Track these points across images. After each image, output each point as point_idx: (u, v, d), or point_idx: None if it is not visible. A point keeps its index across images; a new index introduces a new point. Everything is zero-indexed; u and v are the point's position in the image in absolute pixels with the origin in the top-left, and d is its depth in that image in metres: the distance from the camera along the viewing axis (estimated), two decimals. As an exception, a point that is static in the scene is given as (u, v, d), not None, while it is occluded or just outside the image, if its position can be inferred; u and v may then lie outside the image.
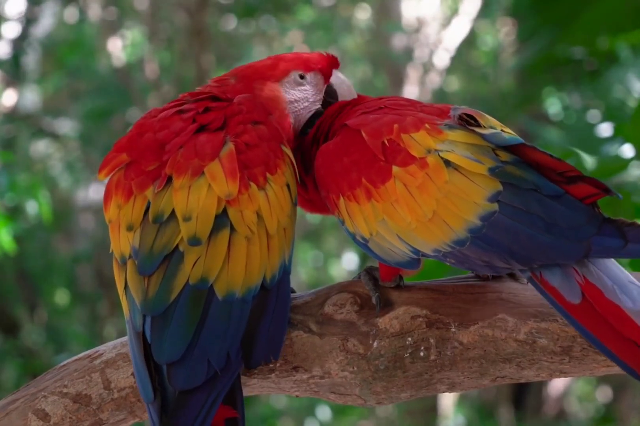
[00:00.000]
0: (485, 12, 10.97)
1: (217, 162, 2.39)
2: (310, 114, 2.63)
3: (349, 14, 12.47)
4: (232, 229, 2.36)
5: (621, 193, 4.23)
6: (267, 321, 2.36)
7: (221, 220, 2.36)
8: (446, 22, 11.30)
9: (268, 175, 2.43)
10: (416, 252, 2.37)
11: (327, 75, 2.65)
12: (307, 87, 2.63)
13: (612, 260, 2.31)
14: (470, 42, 11.63)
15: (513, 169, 2.32)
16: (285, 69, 2.60)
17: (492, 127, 2.40)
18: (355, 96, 2.66)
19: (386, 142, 2.39)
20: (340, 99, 2.65)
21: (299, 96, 2.62)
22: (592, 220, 2.26)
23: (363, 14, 12.61)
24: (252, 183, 2.40)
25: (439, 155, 2.34)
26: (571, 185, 2.30)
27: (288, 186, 2.46)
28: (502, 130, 2.41)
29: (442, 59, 10.87)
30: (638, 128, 4.30)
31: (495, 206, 2.29)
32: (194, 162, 2.39)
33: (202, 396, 2.27)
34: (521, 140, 2.36)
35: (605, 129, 5.59)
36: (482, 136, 2.36)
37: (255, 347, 2.35)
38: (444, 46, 10.86)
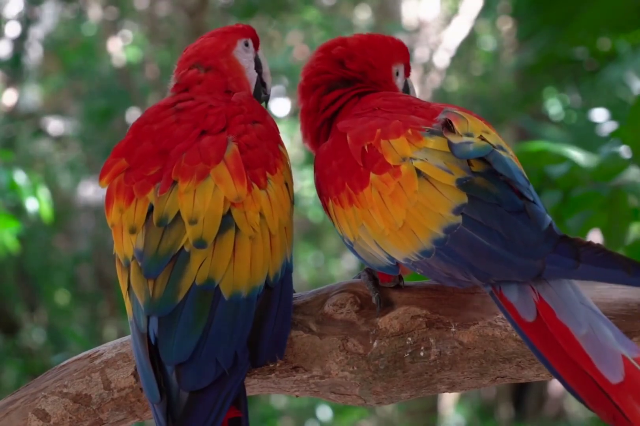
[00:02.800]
0: (485, 12, 10.97)
1: (222, 164, 2.40)
2: (254, 81, 2.67)
3: (350, 14, 12.46)
4: (237, 230, 2.36)
5: (619, 195, 4.26)
6: (271, 320, 2.37)
7: (226, 221, 2.36)
8: (446, 22, 11.30)
9: (268, 175, 2.44)
10: (391, 258, 2.37)
11: (257, 45, 2.71)
12: (250, 55, 2.68)
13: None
14: (470, 42, 11.63)
15: (481, 181, 2.28)
16: (233, 40, 2.65)
17: (468, 134, 2.35)
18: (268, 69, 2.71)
19: (366, 147, 2.39)
20: (263, 69, 2.70)
21: (248, 63, 2.67)
22: (549, 238, 2.22)
23: (364, 14, 12.61)
24: (254, 184, 2.41)
25: (412, 164, 2.32)
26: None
27: (286, 185, 2.48)
28: (480, 136, 2.36)
29: (442, 59, 10.87)
30: (634, 130, 4.30)
31: (459, 219, 2.26)
32: (199, 166, 2.40)
33: (212, 397, 2.28)
34: (486, 152, 2.31)
35: (606, 128, 5.59)
36: (450, 145, 2.33)
37: (261, 346, 2.35)
38: (444, 46, 10.86)
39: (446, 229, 2.26)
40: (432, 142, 2.34)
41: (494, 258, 2.23)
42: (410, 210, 2.30)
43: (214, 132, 2.46)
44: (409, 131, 2.36)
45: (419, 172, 2.31)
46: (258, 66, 2.69)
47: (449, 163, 2.31)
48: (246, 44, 2.66)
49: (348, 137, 2.42)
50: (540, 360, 2.22)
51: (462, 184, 2.28)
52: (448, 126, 2.37)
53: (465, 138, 2.34)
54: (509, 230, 2.23)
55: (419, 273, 2.36)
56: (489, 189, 2.27)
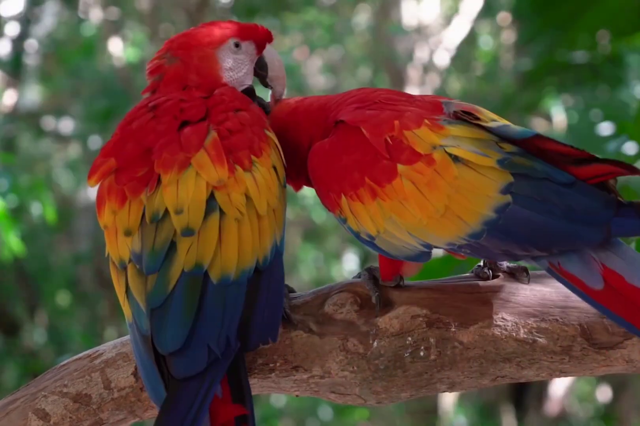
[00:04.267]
0: (486, 12, 10.97)
1: (202, 151, 2.39)
2: (242, 88, 2.62)
3: (350, 15, 12.46)
4: (222, 212, 2.35)
5: (626, 192, 4.25)
6: (262, 303, 2.35)
7: (209, 204, 2.35)
8: (446, 22, 11.31)
9: (253, 157, 2.42)
10: (428, 246, 2.38)
11: (260, 47, 2.64)
12: (242, 57, 2.62)
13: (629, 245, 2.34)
14: (470, 42, 11.63)
15: (521, 160, 2.33)
16: (222, 36, 2.60)
17: (493, 120, 2.40)
18: (284, 74, 2.67)
19: (389, 139, 2.39)
20: (270, 73, 2.65)
21: (234, 64, 2.61)
22: (609, 204, 2.29)
23: (364, 15, 12.61)
24: (237, 167, 2.40)
25: (445, 151, 2.35)
26: (583, 166, 2.31)
27: (275, 168, 2.46)
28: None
29: (442, 59, 10.87)
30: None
31: (509, 197, 2.30)
32: (179, 156, 2.39)
33: (195, 383, 2.26)
34: (533, 131, 2.36)
35: (606, 128, 5.58)
36: (489, 129, 2.36)
37: (252, 330, 2.34)
38: (444, 46, 10.86)
39: (497, 209, 2.30)
40: (456, 130, 2.37)
41: (555, 229, 2.28)
42: (452, 196, 2.33)
43: (193, 121, 2.45)
44: (427, 121, 2.38)
45: (455, 158, 2.34)
46: (263, 69, 2.65)
47: (481, 147, 2.35)
48: (236, 45, 2.60)
49: (364, 130, 2.41)
50: (620, 324, 2.30)
51: (504, 164, 2.32)
52: (467, 116, 2.40)
53: (498, 123, 2.39)
54: (566, 201, 2.28)
55: (464, 254, 2.38)
56: (534, 166, 2.32)
